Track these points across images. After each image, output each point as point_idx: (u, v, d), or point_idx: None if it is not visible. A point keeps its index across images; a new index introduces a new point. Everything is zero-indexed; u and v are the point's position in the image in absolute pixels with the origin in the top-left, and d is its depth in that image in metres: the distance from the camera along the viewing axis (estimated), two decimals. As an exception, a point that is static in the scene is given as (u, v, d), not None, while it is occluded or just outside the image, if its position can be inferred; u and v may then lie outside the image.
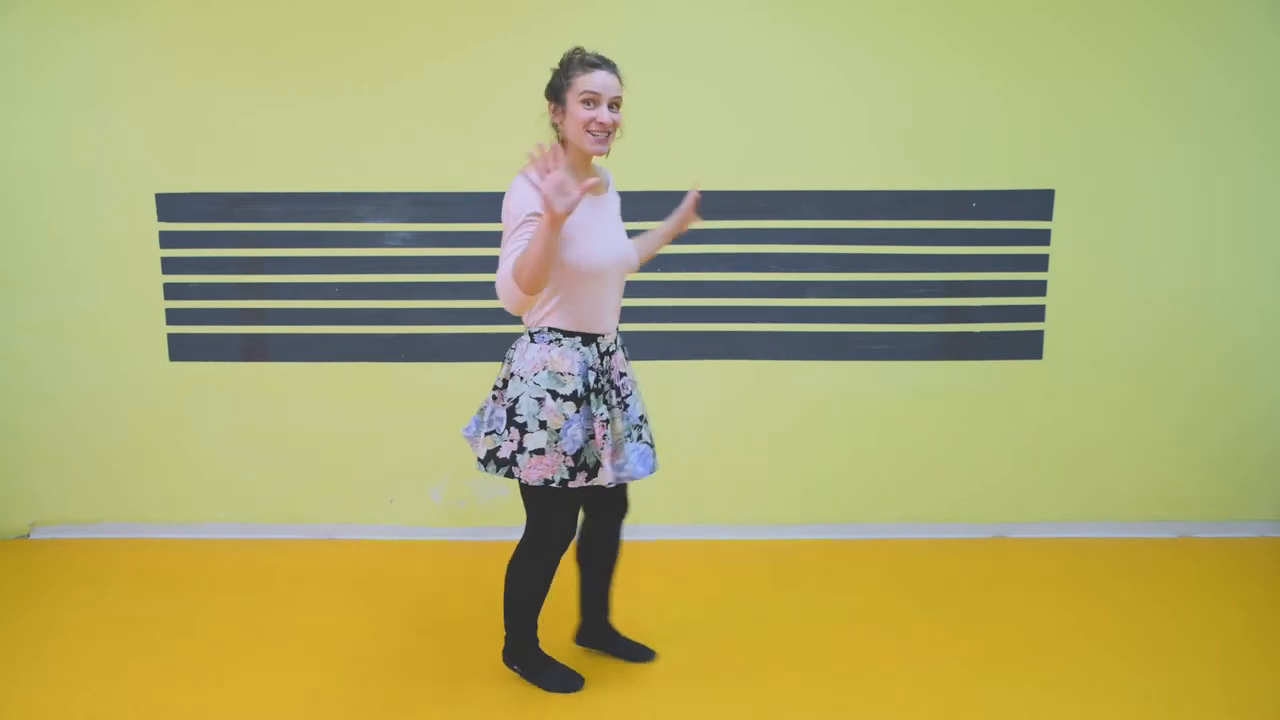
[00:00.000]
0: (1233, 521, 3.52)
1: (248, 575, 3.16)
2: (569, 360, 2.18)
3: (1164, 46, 3.23)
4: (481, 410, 2.34)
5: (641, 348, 3.41)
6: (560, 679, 2.41)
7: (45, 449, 3.49)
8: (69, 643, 2.68)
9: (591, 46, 3.16)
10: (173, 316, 3.42)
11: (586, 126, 2.12)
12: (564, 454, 2.17)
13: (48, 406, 3.46)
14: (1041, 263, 3.37)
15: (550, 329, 2.21)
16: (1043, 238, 3.35)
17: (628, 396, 2.32)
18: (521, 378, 2.19)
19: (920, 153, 3.30)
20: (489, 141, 3.29)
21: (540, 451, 2.16)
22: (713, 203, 3.33)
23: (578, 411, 2.17)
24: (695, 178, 2.63)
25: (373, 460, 3.50)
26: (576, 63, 2.14)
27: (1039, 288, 3.39)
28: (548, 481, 2.18)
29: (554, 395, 2.16)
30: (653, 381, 3.42)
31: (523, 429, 2.16)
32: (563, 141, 2.21)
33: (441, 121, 3.29)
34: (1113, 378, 3.43)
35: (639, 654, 2.56)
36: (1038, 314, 3.40)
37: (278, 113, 3.28)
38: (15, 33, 3.24)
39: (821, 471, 3.50)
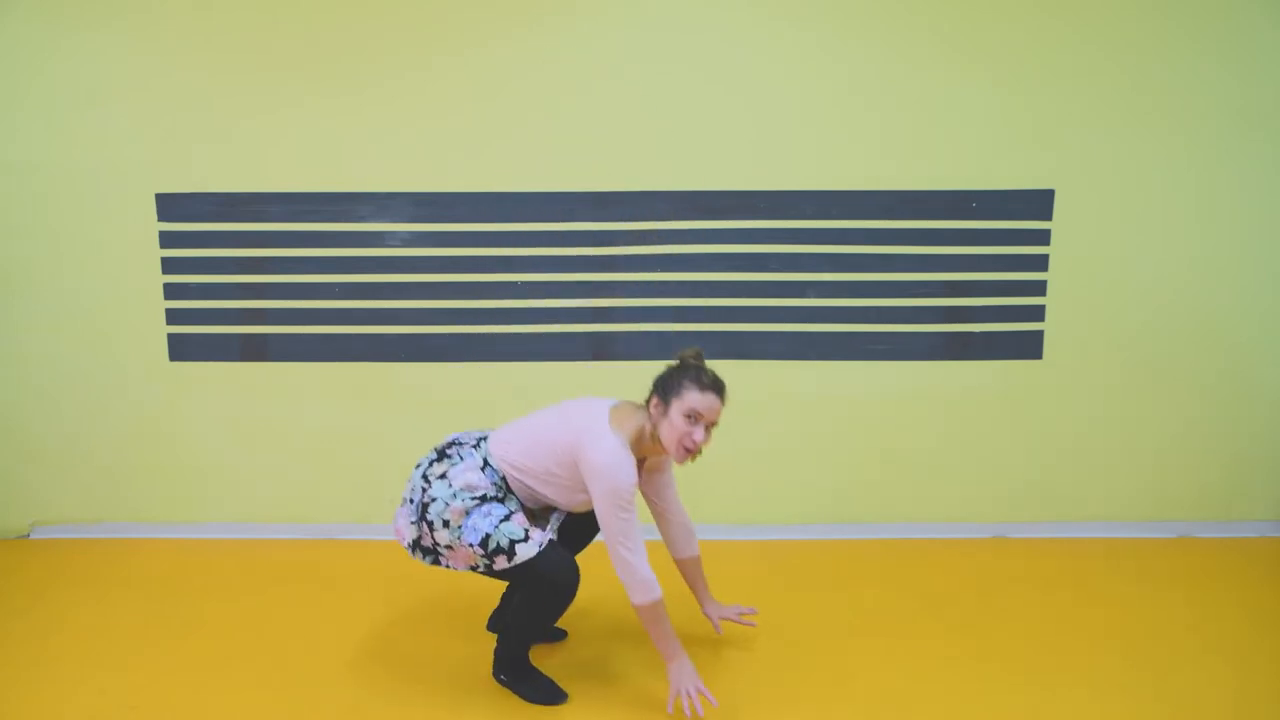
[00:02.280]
0: (1233, 521, 3.52)
1: (248, 575, 3.16)
2: (486, 483, 2.32)
3: (1164, 46, 3.23)
4: (407, 499, 2.39)
5: (642, 348, 3.41)
6: (545, 692, 2.39)
7: (45, 449, 3.49)
8: (69, 642, 2.68)
9: (591, 46, 3.17)
10: (173, 316, 3.42)
11: (681, 440, 2.22)
12: (475, 548, 2.25)
13: (48, 406, 3.46)
14: (1041, 263, 3.37)
15: (504, 479, 2.35)
16: (1043, 238, 3.35)
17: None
18: (452, 486, 2.29)
19: (920, 153, 3.30)
20: (489, 141, 3.30)
21: (451, 548, 2.29)
22: (713, 203, 3.34)
23: (481, 504, 2.29)
24: (749, 618, 2.62)
25: (373, 460, 3.50)
26: (693, 377, 2.26)
27: (1039, 288, 3.39)
28: (475, 569, 2.31)
29: (459, 498, 2.28)
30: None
31: (429, 525, 2.29)
32: (649, 429, 2.30)
33: (441, 121, 3.29)
34: (1113, 378, 3.43)
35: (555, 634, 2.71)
36: (1038, 314, 3.40)
37: (278, 112, 3.28)
38: (15, 33, 3.24)
39: (821, 471, 3.50)
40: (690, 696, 2.20)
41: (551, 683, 2.40)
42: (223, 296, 3.41)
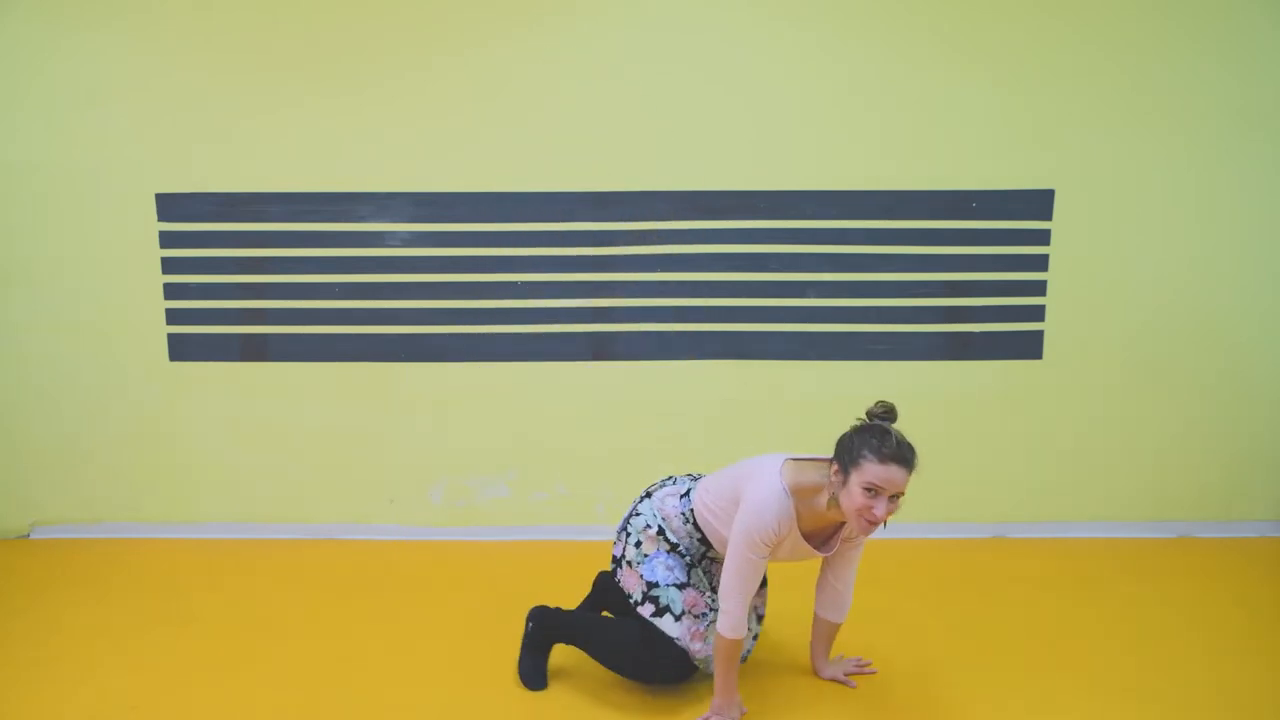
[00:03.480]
0: (1233, 521, 3.52)
1: (247, 575, 3.16)
2: (680, 530, 2.37)
3: (1164, 46, 3.23)
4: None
5: (642, 348, 3.41)
6: (531, 671, 2.44)
7: (45, 449, 3.49)
8: (69, 642, 2.68)
9: (591, 46, 3.17)
10: (173, 316, 3.42)
11: (860, 513, 2.03)
12: (643, 585, 2.33)
13: (48, 406, 3.46)
14: (1041, 263, 3.37)
15: (693, 513, 2.36)
16: (1043, 238, 3.35)
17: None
18: (654, 507, 2.39)
19: (920, 153, 3.30)
20: (489, 141, 3.30)
21: (630, 564, 2.37)
22: (713, 203, 3.34)
23: (669, 553, 2.36)
24: (858, 676, 2.52)
25: (373, 460, 3.50)
26: (874, 447, 2.03)
27: (1039, 288, 3.39)
28: (629, 598, 2.36)
29: (662, 535, 2.36)
30: (653, 381, 3.43)
31: (626, 535, 2.40)
32: (827, 494, 2.14)
33: (441, 121, 3.29)
34: (1113, 378, 3.43)
35: None
36: (1038, 314, 3.40)
37: (278, 112, 3.28)
38: (15, 33, 3.24)
39: (821, 471, 3.50)
40: None
41: (543, 673, 2.45)
42: (223, 296, 3.41)
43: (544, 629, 2.47)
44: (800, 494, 2.15)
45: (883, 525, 2.07)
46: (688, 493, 2.38)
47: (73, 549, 3.39)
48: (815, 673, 2.49)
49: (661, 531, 2.34)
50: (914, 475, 2.06)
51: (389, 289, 3.40)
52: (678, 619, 2.29)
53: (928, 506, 3.51)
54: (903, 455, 2.03)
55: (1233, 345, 3.42)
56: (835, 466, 2.10)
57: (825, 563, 2.41)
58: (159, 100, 3.28)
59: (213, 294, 3.41)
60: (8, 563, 3.27)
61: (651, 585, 2.31)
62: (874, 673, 2.50)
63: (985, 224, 3.35)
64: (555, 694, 2.40)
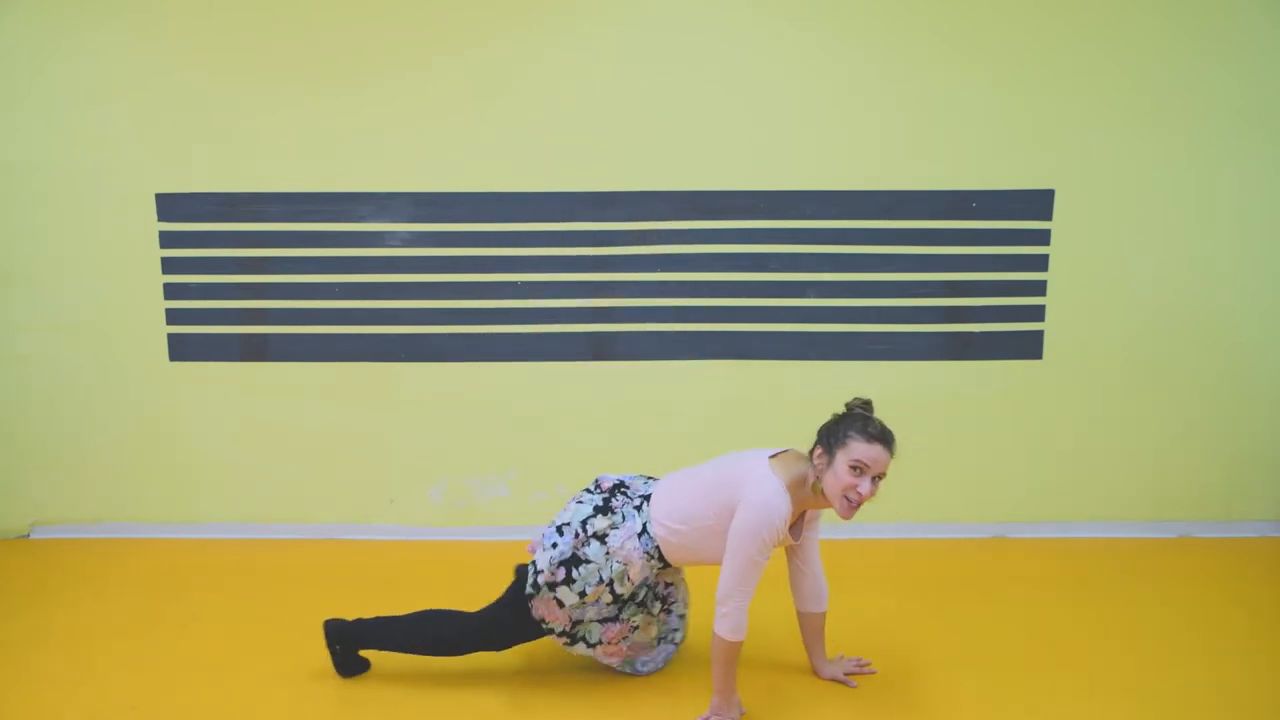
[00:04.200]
0: (1233, 521, 3.52)
1: (248, 575, 3.16)
2: (640, 576, 2.31)
3: (1164, 46, 3.23)
4: (559, 528, 2.36)
5: (642, 348, 3.41)
6: (349, 663, 2.47)
7: (45, 449, 3.49)
8: (68, 642, 2.68)
9: (591, 46, 3.17)
10: (173, 316, 3.42)
11: (845, 492, 2.13)
12: (570, 620, 2.32)
13: (48, 406, 3.46)
14: (1041, 263, 3.37)
15: (657, 548, 2.31)
16: (1043, 238, 3.35)
17: (672, 603, 2.48)
18: (608, 553, 2.29)
19: (920, 153, 3.30)
20: (489, 141, 3.30)
21: (560, 603, 2.29)
22: (713, 203, 3.34)
23: (611, 604, 2.32)
24: (857, 676, 2.50)
25: (373, 460, 3.50)
26: (861, 427, 2.15)
27: (1039, 288, 3.39)
28: (543, 623, 2.33)
29: (610, 588, 2.29)
30: (653, 381, 3.43)
31: (568, 579, 2.28)
32: (812, 480, 2.22)
33: (441, 121, 3.29)
34: (1113, 378, 3.43)
35: None
36: (1038, 314, 3.40)
37: (277, 113, 3.28)
38: (15, 33, 3.24)
39: (821, 471, 3.50)
40: None
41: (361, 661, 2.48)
42: (223, 296, 3.41)
43: (356, 634, 2.43)
44: (791, 489, 2.20)
45: (858, 509, 2.16)
46: (644, 530, 2.30)
47: (73, 549, 3.39)
48: (815, 672, 2.49)
49: (611, 585, 2.28)
50: (894, 463, 2.16)
51: (389, 289, 3.40)
52: (590, 646, 2.35)
53: (928, 506, 3.52)
54: (886, 437, 2.16)
55: (1233, 345, 3.42)
56: (819, 450, 2.20)
57: (792, 554, 2.43)
58: (159, 100, 3.28)
59: (213, 294, 3.41)
60: (8, 563, 3.28)
61: (577, 624, 2.33)
62: (874, 672, 2.50)
63: (985, 224, 3.35)
64: (548, 693, 2.40)
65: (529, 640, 2.42)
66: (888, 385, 3.43)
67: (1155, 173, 3.30)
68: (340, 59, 3.25)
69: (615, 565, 2.28)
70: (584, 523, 2.32)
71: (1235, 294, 3.38)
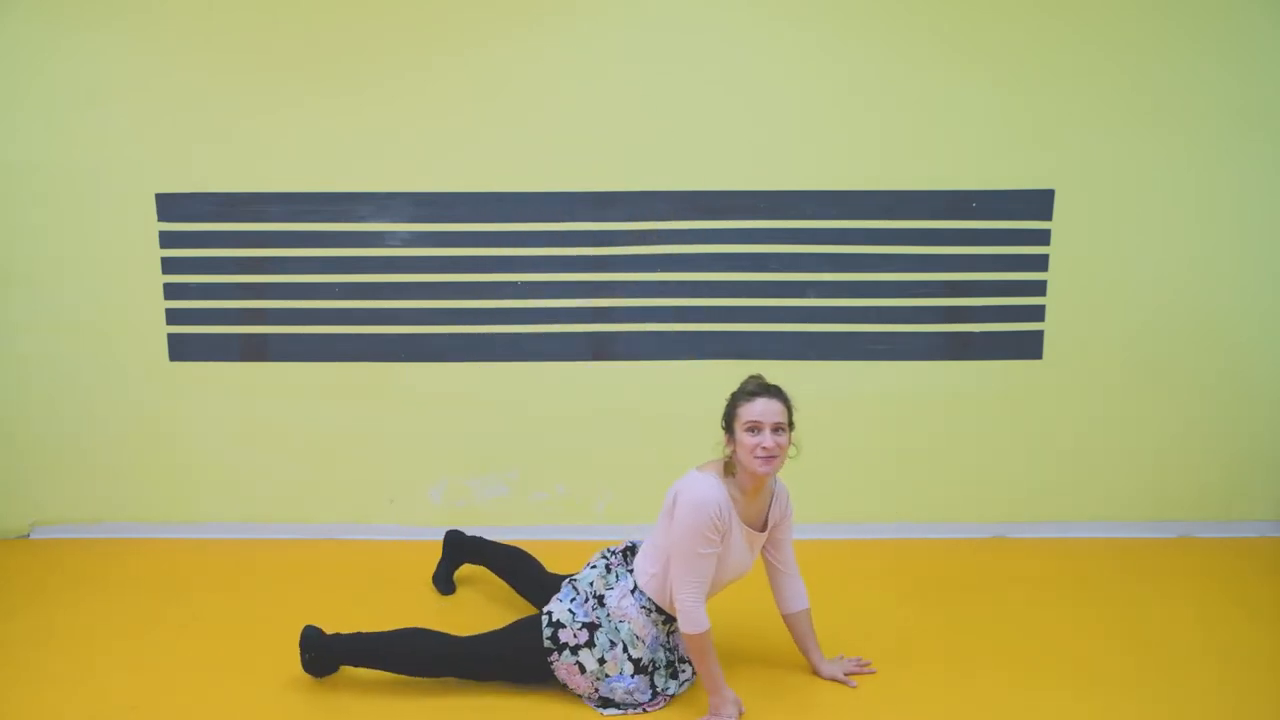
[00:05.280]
0: (1233, 521, 3.52)
1: (248, 575, 3.16)
2: (647, 632, 2.34)
3: (1164, 46, 3.23)
4: (573, 584, 2.44)
5: (642, 348, 3.41)
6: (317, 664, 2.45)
7: (45, 449, 3.49)
8: (68, 642, 2.68)
9: (591, 46, 3.17)
10: (173, 316, 3.42)
11: (753, 452, 2.23)
12: (595, 690, 2.32)
13: (48, 406, 3.46)
14: (1041, 263, 3.37)
15: (649, 598, 2.35)
16: (1043, 238, 3.35)
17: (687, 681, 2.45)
18: (609, 614, 2.35)
19: (920, 153, 3.30)
20: (489, 141, 3.30)
21: (582, 668, 2.31)
22: (713, 202, 3.34)
23: (633, 676, 2.31)
24: (857, 676, 2.49)
25: (373, 460, 3.50)
26: (740, 393, 2.31)
27: (1039, 288, 3.39)
28: (565, 686, 2.36)
29: (625, 650, 2.31)
30: (653, 381, 3.43)
31: (590, 642, 2.31)
32: (734, 465, 2.31)
33: (441, 121, 3.29)
34: (1113, 378, 3.43)
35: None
36: (1038, 314, 3.40)
37: (278, 112, 3.28)
38: (15, 33, 3.24)
39: (821, 471, 3.49)
40: None
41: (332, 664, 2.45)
42: (223, 296, 3.41)
43: (336, 649, 2.43)
44: (722, 480, 2.29)
45: (779, 459, 2.25)
46: (635, 588, 2.36)
47: (73, 549, 3.39)
48: (815, 672, 2.49)
49: (626, 649, 2.31)
50: (791, 409, 2.28)
51: (389, 289, 3.40)
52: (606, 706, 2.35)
53: (928, 506, 3.52)
54: (766, 388, 2.29)
55: (1233, 345, 3.42)
56: (725, 437, 2.32)
57: (767, 553, 2.48)
58: (159, 100, 3.28)
59: (213, 294, 3.41)
60: (8, 563, 3.27)
61: (608, 698, 2.33)
62: (873, 672, 2.50)
63: (985, 224, 3.35)
64: (553, 698, 2.40)
65: (536, 684, 2.39)
66: (888, 385, 3.43)
67: (1155, 173, 3.30)
68: (340, 59, 3.25)
69: (623, 627, 2.33)
70: (590, 584, 2.41)
71: (1235, 294, 3.38)
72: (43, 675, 2.50)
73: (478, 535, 3.03)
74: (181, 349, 3.44)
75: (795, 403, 2.33)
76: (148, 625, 2.79)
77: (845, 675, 2.46)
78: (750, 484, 2.30)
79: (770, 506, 2.42)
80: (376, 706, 2.35)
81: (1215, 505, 3.52)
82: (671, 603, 2.30)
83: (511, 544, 2.95)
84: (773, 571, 2.50)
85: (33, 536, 3.54)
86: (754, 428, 2.23)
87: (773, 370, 3.40)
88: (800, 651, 2.51)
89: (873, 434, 3.46)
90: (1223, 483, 3.51)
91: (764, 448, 2.22)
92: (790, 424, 2.29)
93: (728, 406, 2.33)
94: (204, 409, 3.47)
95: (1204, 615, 2.83)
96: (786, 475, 3.47)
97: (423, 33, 3.23)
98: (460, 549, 3.02)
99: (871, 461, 3.48)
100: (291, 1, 3.22)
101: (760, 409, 2.24)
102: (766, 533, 2.42)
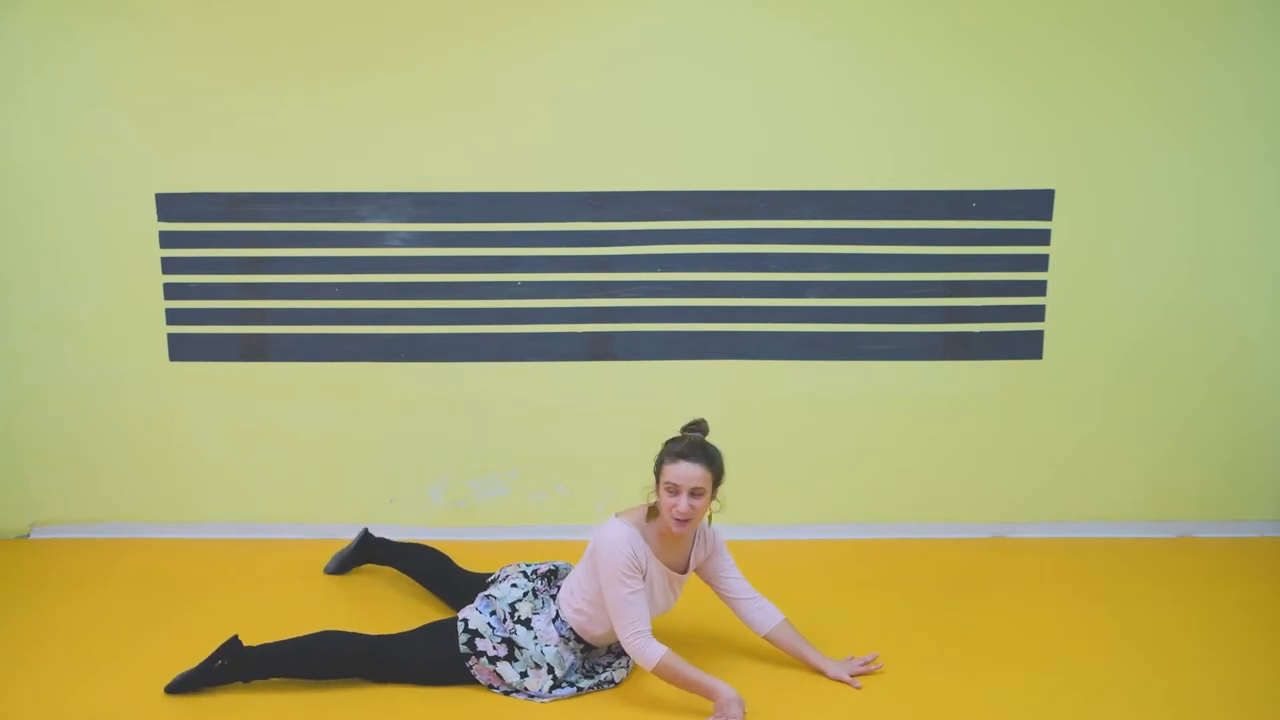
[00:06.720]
0: (1234, 521, 3.52)
1: (247, 575, 3.16)
2: (567, 658, 2.41)
3: (1165, 46, 3.23)
4: (491, 599, 2.49)
5: (641, 348, 3.41)
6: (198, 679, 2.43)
7: (45, 449, 3.49)
8: (68, 642, 2.68)
9: (592, 46, 3.17)
10: (173, 316, 3.41)
11: (669, 511, 2.29)
12: (512, 688, 2.39)
13: (48, 406, 3.46)
14: (1041, 263, 3.37)
15: (572, 630, 2.44)
16: (1043, 238, 3.35)
17: (605, 682, 2.47)
18: (535, 637, 2.40)
19: (921, 153, 3.30)
20: (489, 141, 3.30)
21: (500, 677, 2.38)
22: (714, 203, 3.34)
23: (551, 690, 2.38)
24: (861, 676, 2.49)
25: (373, 460, 3.50)
26: (668, 451, 2.34)
27: (1039, 288, 3.39)
28: (490, 687, 2.41)
29: (550, 671, 2.38)
30: (653, 381, 3.43)
31: (510, 657, 2.38)
32: (657, 509, 2.37)
33: (442, 120, 3.29)
34: (1113, 378, 3.43)
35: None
36: (1038, 314, 3.40)
37: (278, 112, 3.28)
38: (15, 33, 3.24)
39: (821, 471, 3.50)
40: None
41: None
42: (223, 296, 3.41)
43: (250, 660, 2.42)
44: (637, 524, 2.35)
45: (693, 522, 2.30)
46: (557, 615, 2.44)
47: (73, 549, 3.39)
48: (820, 673, 2.49)
49: (551, 670, 2.37)
50: (719, 477, 2.31)
51: (389, 289, 3.40)
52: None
53: (928, 506, 3.52)
54: (693, 452, 2.29)
55: (1233, 345, 3.41)
56: (655, 483, 2.35)
57: (718, 590, 2.55)
58: (159, 100, 3.28)
59: (213, 294, 3.41)
60: (8, 563, 3.27)
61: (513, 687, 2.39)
62: (880, 667, 2.50)
63: (985, 224, 3.35)
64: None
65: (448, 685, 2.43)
66: (888, 385, 3.43)
67: (1155, 173, 3.30)
68: (340, 59, 3.25)
69: (548, 650, 2.39)
70: (512, 605, 2.44)
71: (1235, 294, 3.38)
72: (42, 675, 2.50)
73: (384, 538, 3.11)
74: (181, 349, 3.44)
75: (722, 467, 2.36)
76: (148, 625, 2.79)
77: (850, 676, 2.45)
78: (668, 533, 2.36)
79: (693, 549, 2.48)
80: (378, 705, 2.35)
81: (1215, 505, 3.52)
82: (596, 635, 2.41)
83: (424, 544, 3.03)
84: (732, 603, 2.54)
85: (33, 536, 3.54)
86: (672, 490, 2.28)
87: (773, 370, 3.43)
88: (801, 661, 2.51)
89: (872, 434, 3.46)
90: (1223, 483, 3.51)
91: (679, 510, 2.27)
92: (716, 483, 2.33)
93: (659, 456, 2.36)
94: (204, 409, 3.47)
95: (1204, 616, 2.83)
96: (786, 474, 3.49)
97: (422, 33, 3.23)
98: (371, 549, 3.09)
99: (871, 461, 3.48)
100: (291, 1, 3.22)
101: (682, 473, 2.27)
102: (687, 574, 2.47)
